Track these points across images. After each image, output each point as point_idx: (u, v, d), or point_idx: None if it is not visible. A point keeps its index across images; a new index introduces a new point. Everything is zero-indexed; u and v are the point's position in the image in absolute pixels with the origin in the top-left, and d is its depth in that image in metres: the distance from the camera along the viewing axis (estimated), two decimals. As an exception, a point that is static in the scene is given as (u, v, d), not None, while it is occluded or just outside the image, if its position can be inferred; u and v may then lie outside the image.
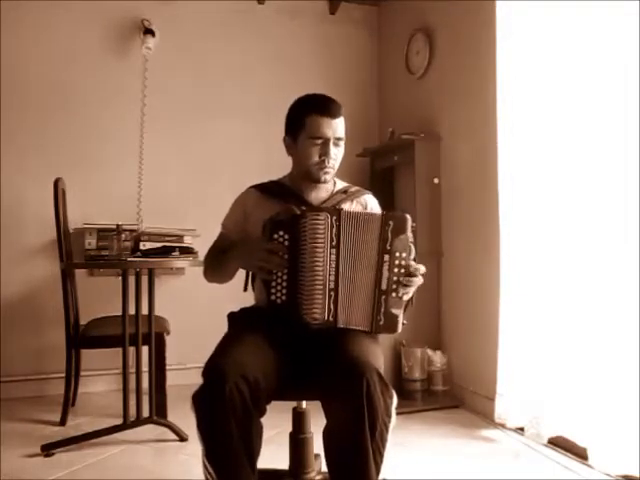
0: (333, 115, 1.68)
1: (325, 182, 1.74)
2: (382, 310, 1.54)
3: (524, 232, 2.49)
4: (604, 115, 2.13)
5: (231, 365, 1.43)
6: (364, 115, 3.96)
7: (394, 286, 1.54)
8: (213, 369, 1.45)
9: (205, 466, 1.46)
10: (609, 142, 2.12)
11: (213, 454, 1.45)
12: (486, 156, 2.81)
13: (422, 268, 1.56)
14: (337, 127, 1.69)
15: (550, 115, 2.37)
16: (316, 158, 1.69)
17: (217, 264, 1.77)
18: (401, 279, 1.53)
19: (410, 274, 1.54)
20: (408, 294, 1.57)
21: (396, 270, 1.53)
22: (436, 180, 3.20)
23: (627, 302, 2.03)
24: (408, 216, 1.56)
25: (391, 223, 1.54)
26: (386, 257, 1.53)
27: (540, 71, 2.40)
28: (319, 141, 1.68)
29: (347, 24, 3.97)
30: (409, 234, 1.55)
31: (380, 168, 3.62)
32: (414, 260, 1.57)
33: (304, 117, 1.69)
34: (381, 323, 1.54)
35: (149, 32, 3.42)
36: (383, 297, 1.54)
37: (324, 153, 1.68)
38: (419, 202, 3.16)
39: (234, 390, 1.40)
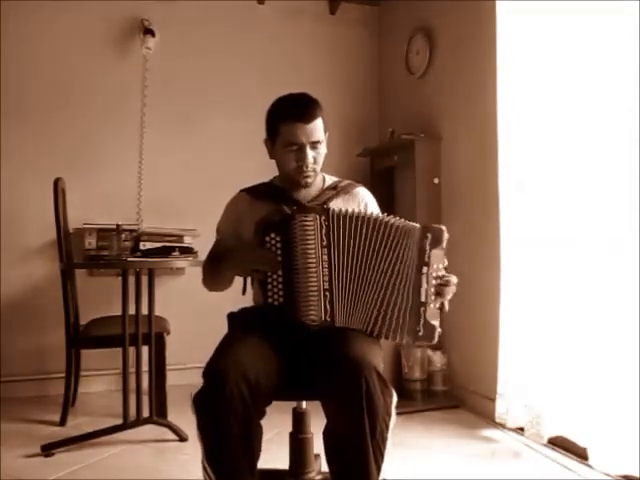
0: (307, 120, 1.64)
1: (307, 186, 1.72)
2: (422, 321, 1.54)
3: (524, 232, 2.49)
4: (605, 115, 2.13)
5: (231, 366, 1.43)
6: (364, 115, 3.96)
7: (433, 297, 1.54)
8: (214, 370, 1.45)
9: (204, 468, 1.46)
10: (611, 141, 2.11)
11: (213, 456, 1.44)
12: (486, 156, 2.81)
13: (454, 278, 1.57)
14: (312, 132, 1.65)
15: (551, 115, 2.37)
16: (294, 164, 1.67)
17: (214, 274, 1.77)
18: (439, 290, 1.54)
19: (444, 284, 1.55)
20: (445, 305, 1.58)
21: (434, 282, 1.54)
22: (436, 180, 3.20)
23: (628, 301, 2.03)
24: (444, 228, 1.56)
25: (429, 235, 1.54)
26: (424, 269, 1.54)
27: (540, 71, 2.40)
28: (294, 147, 1.66)
29: (347, 24, 3.97)
30: (444, 246, 1.55)
31: (380, 168, 3.61)
32: (445, 269, 1.58)
33: (278, 123, 1.67)
34: (420, 334, 1.54)
35: (149, 32, 3.42)
36: (422, 308, 1.54)
37: (300, 159, 1.66)
38: (419, 202, 3.15)
39: (235, 391, 1.40)
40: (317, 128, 1.67)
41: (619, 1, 2.05)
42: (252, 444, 1.46)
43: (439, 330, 1.56)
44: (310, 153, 1.67)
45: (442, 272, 1.56)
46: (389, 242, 1.54)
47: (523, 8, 2.47)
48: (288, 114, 1.66)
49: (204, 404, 1.43)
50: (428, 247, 1.54)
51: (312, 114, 1.66)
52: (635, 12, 1.98)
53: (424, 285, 1.53)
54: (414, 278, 1.54)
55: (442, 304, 1.57)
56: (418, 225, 1.57)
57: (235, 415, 1.40)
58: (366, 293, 1.55)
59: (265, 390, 1.46)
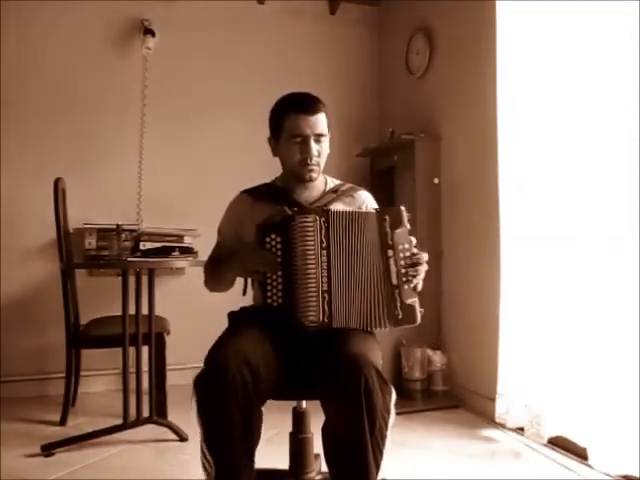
0: (311, 112, 1.66)
1: (312, 180, 1.73)
2: (398, 304, 1.54)
3: (524, 232, 2.49)
4: (605, 115, 2.13)
5: (232, 353, 1.44)
6: (364, 115, 3.96)
7: (404, 278, 1.54)
8: (215, 356, 1.45)
9: (203, 452, 1.46)
10: (611, 141, 2.11)
11: (212, 440, 1.44)
12: (486, 156, 2.81)
13: (425, 255, 1.57)
14: (316, 124, 1.67)
15: (551, 115, 2.37)
16: (298, 156, 1.68)
17: (215, 275, 1.78)
18: (409, 270, 1.54)
19: (415, 263, 1.55)
20: (419, 283, 1.58)
21: (402, 262, 1.54)
22: (436, 180, 3.20)
23: (628, 301, 2.03)
24: (403, 207, 1.57)
25: (387, 218, 1.55)
26: (390, 252, 1.54)
27: (541, 71, 2.40)
28: (298, 139, 1.67)
29: (347, 24, 3.97)
30: (407, 225, 1.55)
31: (380, 168, 3.62)
32: (416, 247, 1.58)
33: (282, 117, 1.69)
34: (400, 317, 1.54)
35: (149, 32, 3.42)
36: (397, 291, 1.54)
37: (305, 151, 1.67)
38: (419, 202, 3.16)
39: (237, 376, 1.40)
40: (321, 121, 1.68)
41: (619, 1, 2.05)
42: (252, 430, 1.46)
43: (421, 310, 1.56)
44: (314, 146, 1.68)
45: (411, 251, 1.55)
46: (355, 233, 1.55)
47: (523, 8, 2.47)
48: (292, 107, 1.68)
49: (205, 387, 1.43)
50: (389, 229, 1.54)
51: (316, 107, 1.68)
52: (635, 12, 1.98)
53: (393, 268, 1.54)
54: (382, 263, 1.54)
55: (415, 285, 1.56)
56: (373, 210, 1.60)
57: (236, 400, 1.40)
58: (358, 291, 1.55)
59: (266, 377, 1.46)
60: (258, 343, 1.52)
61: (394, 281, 1.54)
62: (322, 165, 1.74)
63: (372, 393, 1.40)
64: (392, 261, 1.54)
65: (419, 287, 1.58)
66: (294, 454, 1.79)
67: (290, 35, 3.82)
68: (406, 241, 1.55)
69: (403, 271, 1.54)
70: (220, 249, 1.82)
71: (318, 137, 1.68)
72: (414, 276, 1.54)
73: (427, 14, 3.41)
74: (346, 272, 1.55)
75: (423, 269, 1.57)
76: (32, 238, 3.29)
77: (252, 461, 1.47)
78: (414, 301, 1.55)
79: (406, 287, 1.54)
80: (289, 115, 1.67)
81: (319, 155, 1.70)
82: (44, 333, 3.24)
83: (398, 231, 1.54)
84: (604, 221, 2.14)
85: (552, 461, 2.26)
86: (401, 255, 1.54)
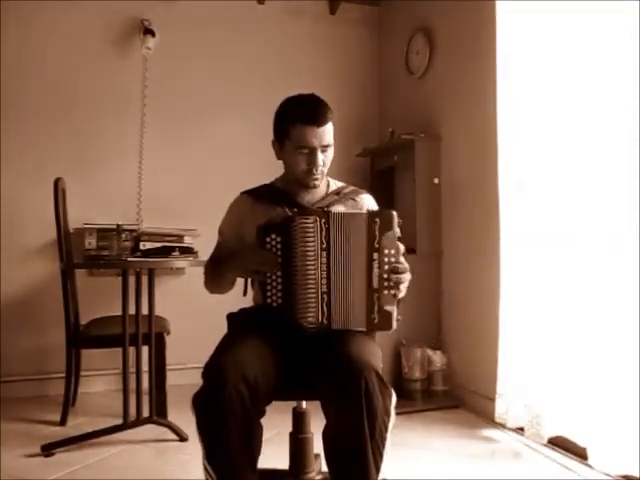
0: (319, 123, 1.62)
1: (315, 187, 1.72)
2: (375, 308, 1.53)
3: (524, 232, 2.49)
4: (605, 114, 2.13)
5: (230, 366, 1.43)
6: (364, 115, 3.96)
7: (385, 283, 1.52)
8: (213, 370, 1.45)
9: (206, 468, 1.46)
10: (611, 141, 2.11)
11: (213, 456, 1.45)
12: (486, 156, 2.81)
13: (407, 266, 1.55)
14: (323, 135, 1.64)
15: (551, 115, 2.37)
16: (304, 167, 1.66)
17: (216, 275, 1.78)
18: (391, 276, 1.52)
19: (398, 272, 1.53)
20: (400, 292, 1.55)
21: (386, 267, 1.52)
22: (436, 180, 3.20)
23: (628, 301, 2.03)
24: (394, 212, 1.55)
25: (378, 220, 1.53)
26: (375, 255, 1.53)
27: (540, 71, 2.40)
28: (305, 150, 1.64)
29: (347, 24, 3.97)
30: (396, 230, 1.53)
31: (380, 168, 3.62)
32: (403, 255, 1.56)
33: (289, 126, 1.64)
34: (375, 321, 1.53)
35: (149, 32, 3.42)
36: (375, 295, 1.53)
37: (311, 162, 1.65)
38: (419, 202, 3.16)
39: (233, 393, 1.40)
40: (328, 132, 1.66)
41: (619, 1, 2.05)
42: (252, 444, 1.46)
43: (398, 317, 1.54)
44: (320, 156, 1.66)
45: (396, 258, 1.53)
46: (350, 234, 1.54)
47: (523, 8, 2.47)
48: (299, 117, 1.63)
49: (203, 405, 1.43)
50: (377, 232, 1.52)
51: (324, 118, 1.64)
52: (635, 12, 1.98)
53: (375, 271, 1.52)
54: (367, 265, 1.53)
55: (395, 292, 1.54)
56: (365, 211, 1.58)
57: (234, 416, 1.40)
58: (353, 292, 1.54)
59: (264, 390, 1.46)
60: (256, 351, 1.52)
61: (375, 285, 1.53)
62: (326, 171, 1.73)
63: (372, 397, 1.40)
64: (376, 264, 1.53)
65: (399, 295, 1.55)
66: (294, 454, 1.79)
67: (290, 35, 3.82)
68: (392, 246, 1.53)
69: (385, 276, 1.52)
70: (221, 250, 1.82)
71: (324, 148, 1.66)
72: (396, 283, 1.52)
73: (427, 14, 3.41)
74: (345, 274, 1.55)
75: (405, 278, 1.54)
76: (32, 238, 3.29)
77: (254, 472, 1.47)
78: (392, 308, 1.53)
79: (386, 292, 1.53)
80: (295, 125, 1.63)
81: (324, 164, 1.69)
82: (44, 333, 3.25)
83: (386, 235, 1.52)
84: (604, 221, 2.14)
85: (552, 461, 2.27)
86: (385, 260, 1.52)
